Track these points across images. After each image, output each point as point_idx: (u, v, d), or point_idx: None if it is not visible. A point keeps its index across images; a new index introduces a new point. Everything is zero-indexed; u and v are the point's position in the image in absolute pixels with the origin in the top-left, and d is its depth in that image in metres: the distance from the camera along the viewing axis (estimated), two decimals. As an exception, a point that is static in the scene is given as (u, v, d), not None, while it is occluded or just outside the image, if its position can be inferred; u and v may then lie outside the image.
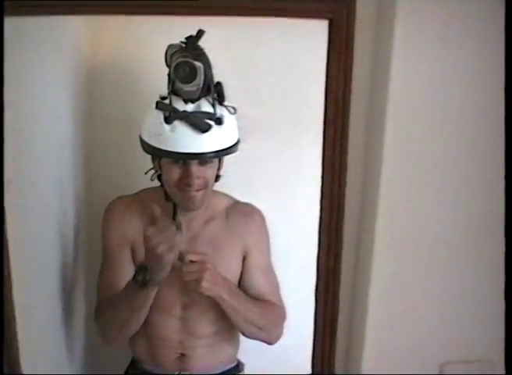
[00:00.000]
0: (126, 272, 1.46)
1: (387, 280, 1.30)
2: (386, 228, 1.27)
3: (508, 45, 1.11)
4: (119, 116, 1.75)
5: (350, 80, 1.22)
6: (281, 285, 1.58)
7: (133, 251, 1.49)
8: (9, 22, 1.05)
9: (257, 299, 1.50)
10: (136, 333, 1.50)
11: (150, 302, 1.38)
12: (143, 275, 1.30)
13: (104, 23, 1.64)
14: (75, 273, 1.67)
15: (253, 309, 1.47)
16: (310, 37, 1.34)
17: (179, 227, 1.29)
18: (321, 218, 1.31)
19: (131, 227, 1.50)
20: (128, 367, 1.65)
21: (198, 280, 1.33)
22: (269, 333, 1.53)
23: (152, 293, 1.35)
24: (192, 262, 1.33)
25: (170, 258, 1.26)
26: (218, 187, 1.48)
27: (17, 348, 1.17)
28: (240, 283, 1.52)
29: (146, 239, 1.27)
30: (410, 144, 1.23)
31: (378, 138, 1.23)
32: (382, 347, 1.33)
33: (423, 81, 1.19)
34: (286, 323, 1.57)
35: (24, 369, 1.21)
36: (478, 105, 1.21)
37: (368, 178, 1.30)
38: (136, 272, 1.33)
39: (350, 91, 1.23)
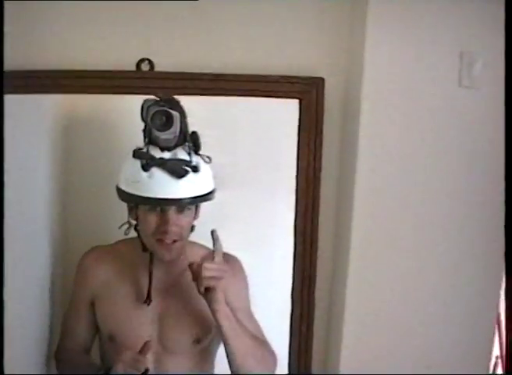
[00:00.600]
0: (83, 325, 1.50)
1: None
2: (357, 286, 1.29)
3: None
4: (96, 166, 1.74)
5: (320, 158, 1.25)
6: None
7: (93, 304, 1.50)
8: None
9: None
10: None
11: None
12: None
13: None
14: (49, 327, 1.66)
15: (251, 337, 1.40)
16: (281, 114, 1.36)
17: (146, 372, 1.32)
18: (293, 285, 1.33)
19: (96, 281, 1.51)
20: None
21: (217, 282, 1.31)
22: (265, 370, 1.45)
23: None
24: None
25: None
26: (193, 237, 1.50)
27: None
28: None
29: (117, 362, 1.32)
30: (379, 216, 1.25)
31: (347, 213, 1.26)
32: (360, 346, 1.33)
33: (391, 153, 1.22)
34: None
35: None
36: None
37: (339, 251, 1.32)
38: (96, 371, 1.37)
39: (320, 169, 1.26)
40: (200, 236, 1.51)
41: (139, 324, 1.46)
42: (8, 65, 1.08)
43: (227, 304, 1.47)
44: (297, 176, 1.25)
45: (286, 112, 1.32)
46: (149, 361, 1.38)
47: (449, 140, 1.23)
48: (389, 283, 1.31)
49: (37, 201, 1.57)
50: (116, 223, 1.46)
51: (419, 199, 1.26)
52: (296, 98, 1.23)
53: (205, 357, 1.47)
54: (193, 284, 1.46)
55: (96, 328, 1.53)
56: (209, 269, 1.32)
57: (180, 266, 1.48)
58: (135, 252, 1.46)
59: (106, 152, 1.71)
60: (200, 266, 1.31)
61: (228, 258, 1.54)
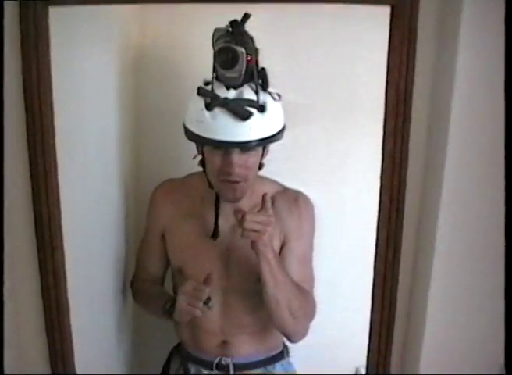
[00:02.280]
0: (155, 257, 1.57)
1: (447, 278, 1.22)
2: (448, 225, 1.18)
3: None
4: (165, 103, 1.74)
5: (413, 70, 1.12)
6: (326, 274, 1.57)
7: (164, 237, 1.53)
8: (55, 12, 1.04)
9: None
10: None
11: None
12: (169, 308, 1.43)
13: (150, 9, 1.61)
14: (125, 259, 1.69)
15: (289, 285, 1.41)
16: (369, 25, 1.25)
17: (208, 301, 1.36)
18: (379, 211, 1.21)
19: (167, 214, 1.53)
20: (173, 349, 1.69)
21: (257, 236, 1.32)
22: (297, 323, 1.46)
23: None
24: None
25: (196, 314, 1.35)
26: (264, 172, 1.45)
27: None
28: None
29: (179, 293, 1.38)
30: (474, 140, 1.13)
31: (441, 133, 1.15)
32: (440, 347, 1.26)
33: (490, 76, 1.08)
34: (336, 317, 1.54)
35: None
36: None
37: (430, 173, 1.21)
38: (166, 301, 1.44)
39: (412, 82, 1.13)
40: (273, 173, 1.48)
41: (206, 258, 1.48)
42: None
43: (286, 245, 1.44)
44: (387, 89, 1.13)
45: (373, 22, 1.20)
46: (215, 294, 1.39)
47: None
48: (474, 283, 1.22)
49: (109, 135, 1.56)
50: (187, 157, 1.43)
51: None
52: (389, 4, 1.10)
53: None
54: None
55: (167, 260, 1.57)
56: (251, 222, 1.29)
57: (249, 202, 1.45)
58: (204, 187, 1.45)
59: (176, 86, 1.68)
60: (244, 216, 1.28)
61: (297, 198, 1.50)
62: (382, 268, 1.24)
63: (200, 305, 1.34)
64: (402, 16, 1.10)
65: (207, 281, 1.39)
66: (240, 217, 1.30)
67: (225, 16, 1.29)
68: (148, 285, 1.62)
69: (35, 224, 1.13)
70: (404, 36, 1.11)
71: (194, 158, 1.45)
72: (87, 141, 1.38)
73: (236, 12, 1.28)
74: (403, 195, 1.21)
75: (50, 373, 1.22)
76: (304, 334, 1.49)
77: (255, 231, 1.31)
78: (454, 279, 1.22)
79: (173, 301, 1.42)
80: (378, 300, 1.26)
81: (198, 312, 1.35)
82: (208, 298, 1.36)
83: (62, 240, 1.15)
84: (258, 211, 1.32)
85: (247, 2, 1.19)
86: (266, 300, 1.41)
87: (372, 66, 1.18)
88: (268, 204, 1.32)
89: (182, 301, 1.37)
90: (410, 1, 1.09)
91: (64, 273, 1.17)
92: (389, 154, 1.18)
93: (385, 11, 1.11)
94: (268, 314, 1.44)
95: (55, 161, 1.11)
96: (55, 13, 1.05)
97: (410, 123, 1.16)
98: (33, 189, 1.11)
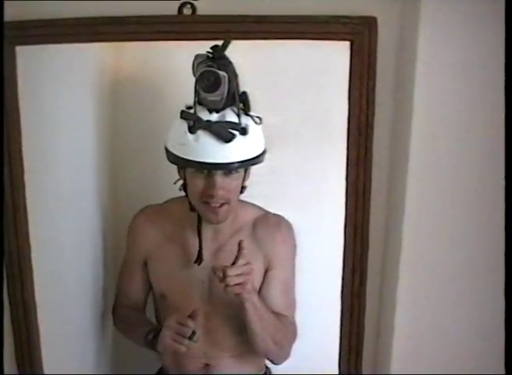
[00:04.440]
0: (136, 284, 1.56)
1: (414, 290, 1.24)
2: (411, 250, 1.20)
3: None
4: (144, 126, 1.74)
5: (373, 103, 1.17)
6: (307, 291, 1.59)
7: (146, 264, 1.54)
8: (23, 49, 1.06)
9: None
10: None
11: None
12: (151, 340, 1.42)
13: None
14: (103, 277, 1.70)
15: (273, 321, 1.45)
16: (332, 58, 1.28)
17: (193, 336, 1.36)
18: (345, 238, 1.26)
19: (148, 241, 1.53)
20: (156, 374, 1.68)
21: (242, 288, 1.33)
22: (281, 350, 1.51)
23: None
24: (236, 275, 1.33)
25: (181, 350, 1.35)
26: (243, 196, 1.47)
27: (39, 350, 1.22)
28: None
29: (164, 328, 1.37)
30: (435, 164, 1.17)
31: (402, 160, 1.18)
32: (410, 348, 1.27)
33: (448, 102, 1.12)
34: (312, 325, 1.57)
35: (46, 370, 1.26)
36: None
37: (393, 200, 1.25)
38: (148, 331, 1.43)
39: (373, 115, 1.18)
40: (254, 196, 1.51)
41: (190, 284, 1.48)
42: (44, 13, 1.04)
43: (270, 272, 1.46)
44: (349, 122, 1.17)
45: (337, 55, 1.23)
46: (198, 324, 1.40)
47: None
48: (447, 271, 1.23)
49: (86, 158, 1.58)
50: (166, 182, 1.45)
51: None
52: (348, 39, 1.14)
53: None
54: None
55: (149, 286, 1.57)
56: (233, 278, 1.31)
57: (231, 226, 1.47)
58: (185, 211, 1.46)
59: (156, 109, 1.70)
60: (225, 273, 1.30)
61: (279, 223, 1.52)
62: (348, 298, 1.26)
63: (186, 342, 1.34)
64: (361, 51, 1.14)
65: (192, 316, 1.39)
66: (221, 275, 1.31)
67: (202, 45, 1.33)
68: (130, 312, 1.61)
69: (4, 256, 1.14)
70: (363, 69, 1.15)
71: (175, 183, 1.46)
72: (61, 175, 1.39)
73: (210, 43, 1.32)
74: (368, 223, 1.24)
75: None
76: (287, 357, 1.53)
77: (239, 284, 1.33)
78: (423, 273, 1.23)
79: (155, 332, 1.42)
80: (348, 297, 1.27)
81: (183, 348, 1.35)
82: (193, 333, 1.35)
83: (31, 271, 1.17)
84: (234, 260, 1.33)
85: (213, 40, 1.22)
86: (252, 338, 1.45)
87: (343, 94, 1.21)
88: (244, 251, 1.34)
89: (166, 337, 1.37)
90: (368, 36, 1.13)
91: (34, 304, 1.18)
92: (353, 183, 1.21)
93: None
94: (254, 346, 1.49)
95: (23, 187, 1.12)
96: (23, 50, 1.07)
97: (371, 153, 1.20)
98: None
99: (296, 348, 1.60)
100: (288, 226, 1.54)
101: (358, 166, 1.20)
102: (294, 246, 1.55)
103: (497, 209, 1.11)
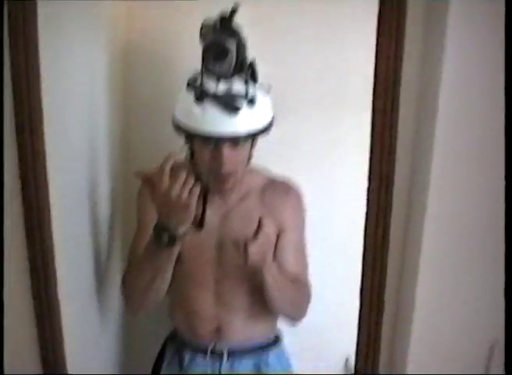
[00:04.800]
0: None
1: (435, 271, 1.22)
2: (436, 217, 1.18)
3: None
4: (154, 96, 1.73)
5: (401, 58, 1.12)
6: (317, 261, 1.59)
7: None
8: (42, 6, 1.03)
9: None
10: (174, 307, 1.58)
11: (172, 262, 1.37)
12: (165, 234, 1.28)
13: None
14: (111, 252, 1.70)
15: (290, 286, 1.46)
16: (357, 11, 1.25)
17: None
18: (368, 200, 1.19)
19: None
20: (168, 337, 1.69)
21: (263, 261, 1.34)
22: (297, 310, 1.53)
23: (174, 251, 1.33)
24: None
25: (193, 202, 1.23)
26: (253, 162, 1.47)
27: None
28: None
29: (164, 192, 1.23)
30: (463, 125, 1.15)
31: (429, 120, 1.16)
32: (428, 343, 1.26)
33: (478, 60, 1.10)
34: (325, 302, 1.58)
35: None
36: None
37: (419, 158, 1.22)
38: (155, 232, 1.30)
39: (400, 68, 1.13)
40: (261, 162, 1.50)
41: (200, 247, 1.46)
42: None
43: (282, 236, 1.47)
44: (375, 76, 1.12)
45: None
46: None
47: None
48: (462, 278, 1.22)
49: (98, 128, 1.57)
50: (178, 143, 1.43)
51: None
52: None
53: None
54: (252, 211, 1.43)
55: None
56: (255, 254, 1.32)
57: (239, 192, 1.46)
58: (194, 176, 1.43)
59: (165, 79, 1.67)
60: (246, 250, 1.30)
61: (289, 189, 1.51)
62: (370, 259, 1.23)
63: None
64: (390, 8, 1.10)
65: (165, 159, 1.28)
66: (243, 251, 1.31)
67: (212, 7, 1.30)
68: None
69: (25, 221, 1.12)
70: (392, 23, 1.10)
71: (180, 150, 1.44)
72: (75, 136, 1.37)
73: (223, 3, 1.29)
74: (392, 182, 1.20)
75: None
76: (303, 316, 1.55)
77: (260, 257, 1.33)
78: (442, 273, 1.22)
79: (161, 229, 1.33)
80: (367, 293, 1.26)
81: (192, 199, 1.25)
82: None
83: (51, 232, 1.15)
84: (254, 234, 1.32)
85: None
86: (271, 303, 1.47)
87: (360, 57, 1.18)
88: (264, 228, 1.33)
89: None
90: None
91: (53, 267, 1.17)
92: (378, 135, 1.16)
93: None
94: (273, 310, 1.52)
95: (43, 157, 1.11)
96: (42, 8, 1.04)
97: (398, 106, 1.15)
98: (22, 180, 1.11)
99: (313, 346, 1.68)
100: (297, 191, 1.55)
101: (385, 117, 1.14)
102: (304, 211, 1.56)
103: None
